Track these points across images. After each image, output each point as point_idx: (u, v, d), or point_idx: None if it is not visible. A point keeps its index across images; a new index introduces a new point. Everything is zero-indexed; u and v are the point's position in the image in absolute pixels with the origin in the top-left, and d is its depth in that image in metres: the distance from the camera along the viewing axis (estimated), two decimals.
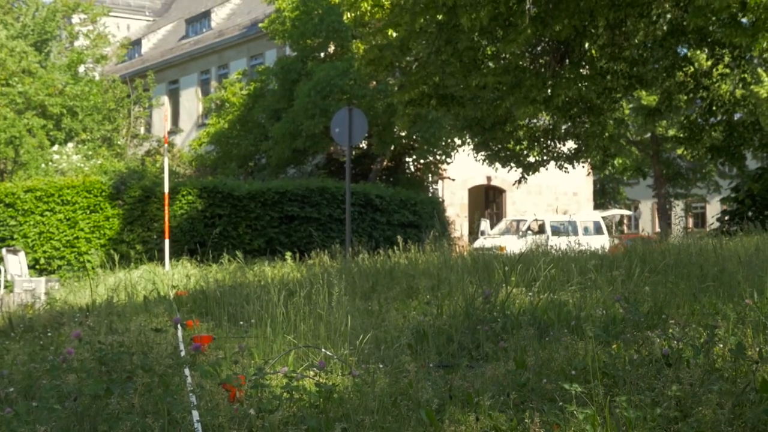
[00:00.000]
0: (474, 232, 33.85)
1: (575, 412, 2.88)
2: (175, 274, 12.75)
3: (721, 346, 3.68)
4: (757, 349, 3.64)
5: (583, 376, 3.41)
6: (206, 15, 47.50)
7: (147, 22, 58.53)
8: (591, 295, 6.13)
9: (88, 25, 44.00)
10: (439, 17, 13.55)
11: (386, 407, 3.29)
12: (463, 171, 35.31)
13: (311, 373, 3.82)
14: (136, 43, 52.04)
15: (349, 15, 14.26)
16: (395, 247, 12.40)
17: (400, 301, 6.90)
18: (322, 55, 30.00)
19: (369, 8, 13.38)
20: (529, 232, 33.41)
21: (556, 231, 33.90)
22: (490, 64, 15.73)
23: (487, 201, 41.90)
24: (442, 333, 4.89)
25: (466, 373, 4.08)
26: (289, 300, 5.83)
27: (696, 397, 2.90)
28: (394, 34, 14.01)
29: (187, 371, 3.76)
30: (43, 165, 36.10)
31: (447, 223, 26.35)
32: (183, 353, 4.15)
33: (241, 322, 5.80)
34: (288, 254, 13.61)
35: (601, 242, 31.28)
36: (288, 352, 4.41)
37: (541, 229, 34.01)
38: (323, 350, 4.33)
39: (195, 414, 2.95)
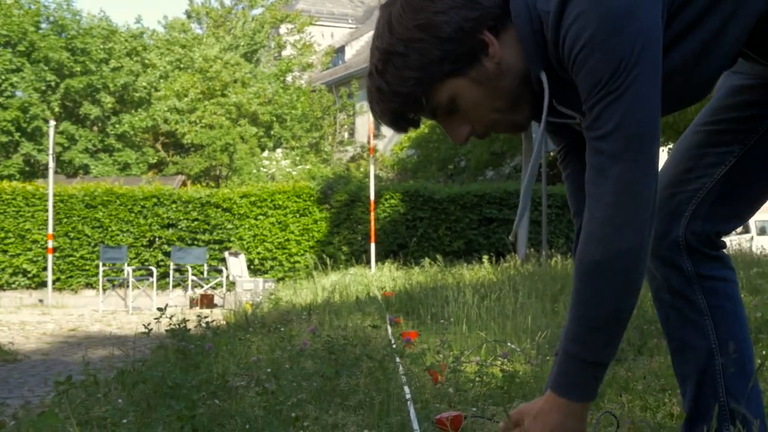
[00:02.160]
0: None
1: None
2: (381, 276, 13.82)
3: None
4: None
5: None
6: None
7: (350, 30, 60.49)
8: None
9: (294, 35, 46.04)
10: None
11: None
12: None
13: (498, 362, 4.68)
14: (340, 51, 53.91)
15: None
16: None
17: None
18: None
19: None
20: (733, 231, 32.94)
21: (763, 230, 33.06)
22: None
23: None
24: None
25: (630, 365, 4.83)
26: (481, 302, 6.75)
27: None
28: None
29: (398, 359, 4.69)
30: (254, 170, 38.16)
31: None
32: (395, 345, 5.09)
33: (442, 321, 6.74)
34: (485, 257, 14.42)
35: None
36: (480, 346, 5.29)
37: (746, 229, 33.25)
38: (509, 344, 5.20)
39: (407, 390, 3.86)
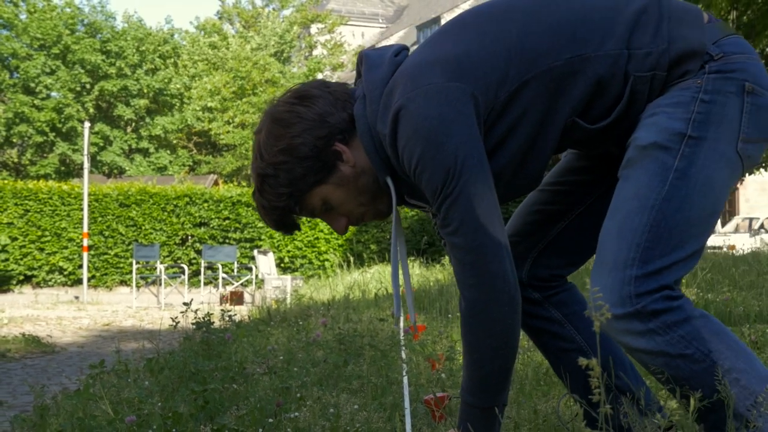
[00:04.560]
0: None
1: None
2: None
3: None
4: None
5: None
6: (436, 21, 49.25)
7: (380, 29, 60.93)
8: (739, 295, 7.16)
9: (325, 35, 46.43)
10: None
11: (540, 376, 4.53)
12: None
13: None
14: None
15: None
16: None
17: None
18: None
19: None
20: (762, 230, 33.00)
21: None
22: None
23: None
24: None
25: None
26: None
27: None
28: None
29: (402, 348, 5.13)
30: None
31: None
32: (399, 336, 5.54)
33: (449, 315, 7.18)
34: None
35: None
36: None
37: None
38: None
39: (404, 374, 4.29)
